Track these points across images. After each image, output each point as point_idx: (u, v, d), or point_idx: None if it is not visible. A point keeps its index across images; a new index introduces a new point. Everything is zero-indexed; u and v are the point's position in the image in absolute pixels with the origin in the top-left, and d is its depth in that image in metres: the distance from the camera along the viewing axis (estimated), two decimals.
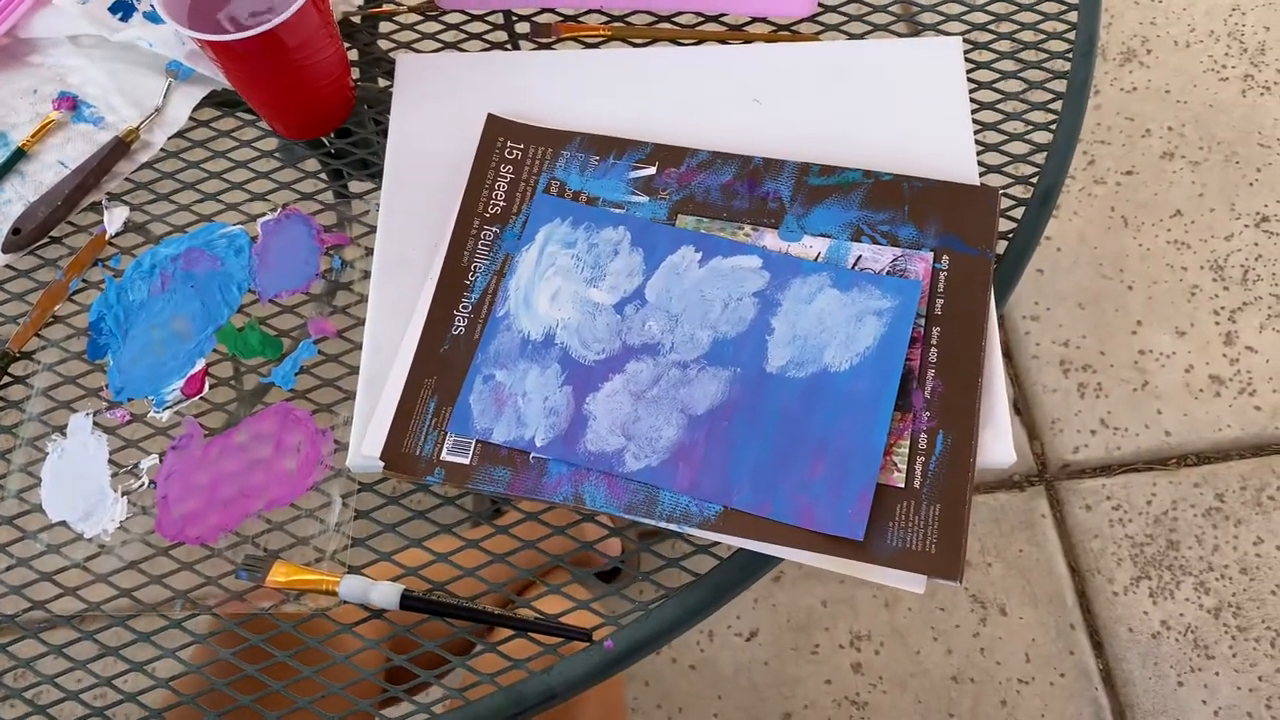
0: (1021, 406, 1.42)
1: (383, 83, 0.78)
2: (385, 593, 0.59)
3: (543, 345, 0.63)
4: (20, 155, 0.74)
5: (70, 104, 0.76)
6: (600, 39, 0.76)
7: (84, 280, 0.70)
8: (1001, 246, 0.66)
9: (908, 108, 0.69)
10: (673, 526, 0.58)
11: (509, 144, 0.69)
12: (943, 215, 0.65)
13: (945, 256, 0.64)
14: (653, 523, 0.58)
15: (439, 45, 0.77)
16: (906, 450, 0.59)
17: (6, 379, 0.68)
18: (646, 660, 1.28)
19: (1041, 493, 1.37)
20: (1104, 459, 1.38)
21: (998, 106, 0.71)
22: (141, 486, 0.64)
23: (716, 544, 0.59)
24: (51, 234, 0.72)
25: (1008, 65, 0.73)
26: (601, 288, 0.65)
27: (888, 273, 0.64)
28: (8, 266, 0.72)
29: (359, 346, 0.65)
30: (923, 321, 0.62)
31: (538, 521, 0.63)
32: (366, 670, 0.60)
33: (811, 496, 0.58)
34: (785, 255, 0.64)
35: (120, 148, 0.73)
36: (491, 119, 0.70)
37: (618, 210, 0.67)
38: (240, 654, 0.60)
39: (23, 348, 0.69)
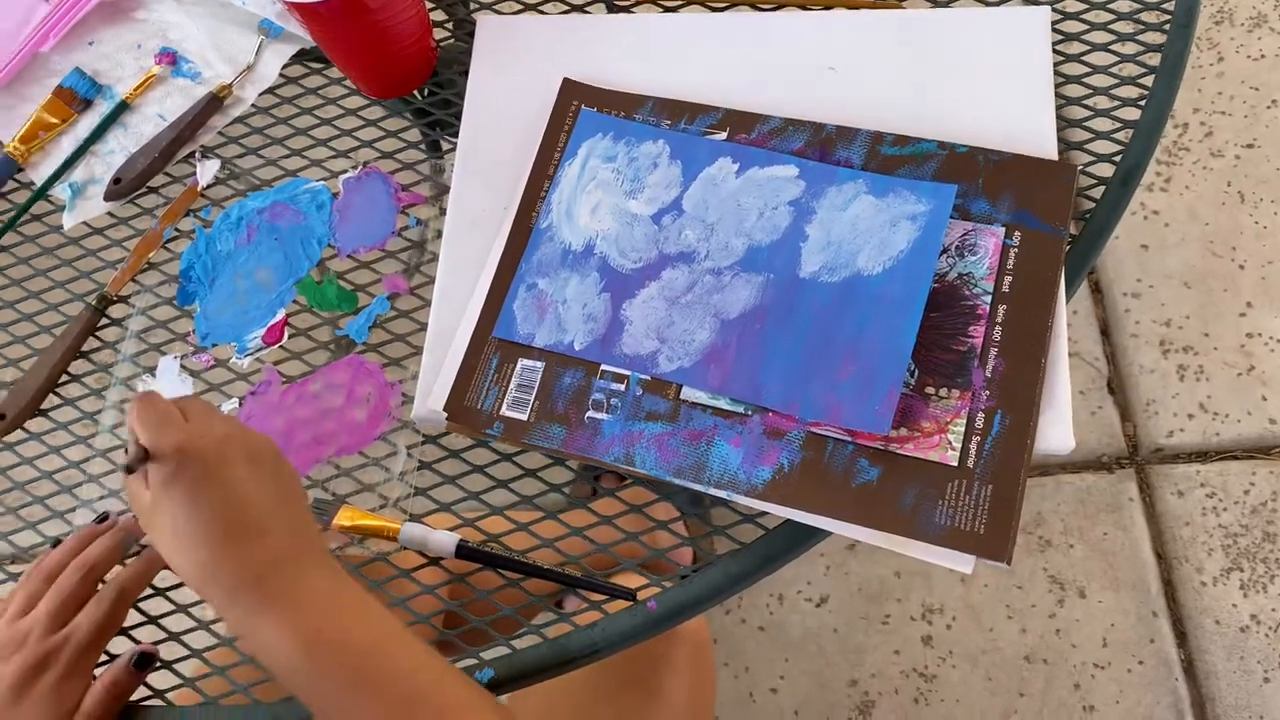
0: (1115, 386, 1.37)
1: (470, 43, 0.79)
2: (442, 541, 0.61)
3: (583, 255, 0.66)
4: (124, 108, 0.78)
5: (170, 59, 0.79)
6: (679, 2, 0.76)
7: (177, 229, 0.74)
8: (1079, 228, 0.64)
9: (989, 78, 0.68)
10: (720, 493, 0.59)
11: (583, 107, 0.70)
12: (1017, 190, 0.63)
13: (1017, 233, 0.62)
14: (700, 488, 0.59)
15: (520, 7, 0.78)
16: (962, 428, 0.59)
17: (104, 321, 0.73)
18: (715, 618, 1.31)
19: (1131, 475, 1.33)
20: (1200, 444, 1.33)
21: (1085, 80, 0.69)
22: None
23: (763, 514, 0.59)
24: (149, 184, 0.76)
25: (1099, 36, 0.70)
26: (640, 199, 0.67)
27: (956, 248, 0.63)
28: (109, 214, 0.76)
29: (430, 303, 0.67)
30: (989, 299, 0.61)
31: (613, 526, 0.64)
32: (422, 614, 0.63)
33: (840, 396, 0.59)
34: (821, 164, 0.65)
35: (214, 102, 0.76)
36: (567, 82, 0.71)
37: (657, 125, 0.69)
38: None
39: (119, 292, 0.73)
